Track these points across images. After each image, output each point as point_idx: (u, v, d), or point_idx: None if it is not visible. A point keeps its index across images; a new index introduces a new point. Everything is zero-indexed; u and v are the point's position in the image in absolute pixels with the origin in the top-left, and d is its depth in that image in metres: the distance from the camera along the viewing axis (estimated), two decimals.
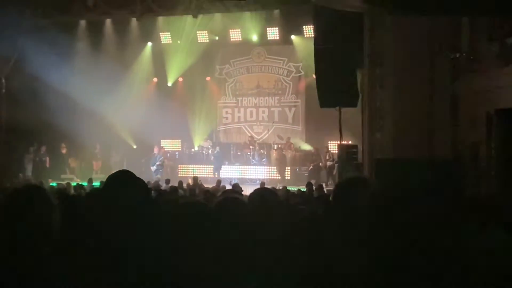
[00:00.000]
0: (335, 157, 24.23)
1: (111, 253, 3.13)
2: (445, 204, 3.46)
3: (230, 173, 26.01)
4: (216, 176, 25.01)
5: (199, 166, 26.66)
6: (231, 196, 3.91)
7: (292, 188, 18.27)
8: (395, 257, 2.75)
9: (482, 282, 2.84)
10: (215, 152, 26.83)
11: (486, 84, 14.38)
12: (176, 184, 17.83)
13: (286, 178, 25.17)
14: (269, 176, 25.37)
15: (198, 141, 28.15)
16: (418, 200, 2.85)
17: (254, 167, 26.50)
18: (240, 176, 25.35)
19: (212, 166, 26.49)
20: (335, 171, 23.94)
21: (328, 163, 24.58)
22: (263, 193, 4.07)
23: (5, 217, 3.15)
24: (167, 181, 19.10)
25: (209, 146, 27.37)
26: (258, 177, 24.93)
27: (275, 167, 25.94)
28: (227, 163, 27.14)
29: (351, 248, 2.93)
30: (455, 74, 15.97)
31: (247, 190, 15.16)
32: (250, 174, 26.08)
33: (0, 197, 3.21)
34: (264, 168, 26.22)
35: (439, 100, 15.87)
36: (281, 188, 17.14)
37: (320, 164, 24.94)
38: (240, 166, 26.70)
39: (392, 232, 2.77)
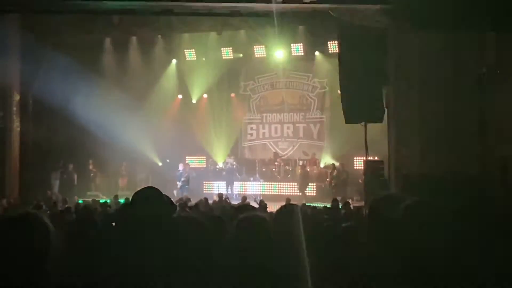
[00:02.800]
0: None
1: (139, 266, 3.13)
2: (477, 219, 3.39)
3: (256, 190, 25.98)
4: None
5: (224, 182, 26.62)
6: (252, 214, 3.88)
7: (318, 205, 18.18)
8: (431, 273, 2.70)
9: None
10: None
11: None
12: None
13: (312, 194, 25.05)
14: (294, 192, 25.28)
15: (223, 158, 28.07)
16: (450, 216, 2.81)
17: (279, 183, 26.44)
18: (265, 193, 25.28)
19: (236, 182, 26.55)
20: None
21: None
22: (290, 209, 4.02)
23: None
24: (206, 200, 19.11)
25: (234, 163, 27.33)
26: (283, 193, 24.85)
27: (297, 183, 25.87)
28: (252, 179, 27.10)
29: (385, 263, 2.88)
30: (481, 88, 15.82)
31: (273, 207, 15.11)
32: (275, 191, 26.00)
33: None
34: (289, 185, 26.14)
35: (466, 115, 15.72)
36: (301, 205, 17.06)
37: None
38: (265, 183, 26.66)
39: (428, 247, 2.72)
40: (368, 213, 3.08)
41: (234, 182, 26.45)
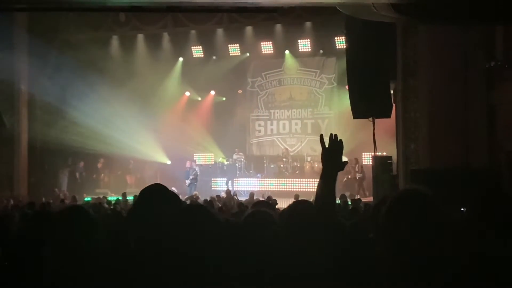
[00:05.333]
0: (364, 169, 24.14)
1: (141, 265, 3.13)
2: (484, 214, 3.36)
3: (265, 186, 25.99)
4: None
5: (242, 179, 26.68)
6: (259, 210, 3.88)
7: None
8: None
9: None
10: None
11: None
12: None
13: None
14: (302, 188, 25.21)
15: (231, 155, 28.01)
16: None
17: (287, 179, 26.40)
18: (273, 189, 25.26)
19: (244, 179, 26.61)
20: (365, 183, 23.79)
21: (358, 175, 24.38)
22: (300, 206, 4.00)
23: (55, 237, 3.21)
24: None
25: (242, 159, 27.36)
26: (292, 189, 24.78)
27: (308, 179, 25.78)
28: (259, 175, 27.09)
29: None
30: (490, 83, 15.75)
31: (282, 203, 15.12)
32: (283, 187, 25.97)
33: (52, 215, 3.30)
34: (298, 181, 26.09)
35: (475, 109, 15.66)
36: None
37: (349, 176, 24.72)
38: (274, 179, 26.64)
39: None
40: (390, 212, 2.99)
41: (234, 179, 26.54)
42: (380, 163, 18.19)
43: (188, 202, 14.49)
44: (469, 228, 2.75)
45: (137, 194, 3.68)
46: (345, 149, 3.84)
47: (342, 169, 3.71)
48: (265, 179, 26.83)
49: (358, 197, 20.36)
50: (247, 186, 25.79)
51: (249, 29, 26.19)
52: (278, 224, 3.64)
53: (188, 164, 25.51)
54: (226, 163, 27.89)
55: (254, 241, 3.44)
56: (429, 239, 2.75)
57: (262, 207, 4.81)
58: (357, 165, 24.51)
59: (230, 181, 26.21)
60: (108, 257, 3.37)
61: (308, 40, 26.52)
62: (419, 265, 2.74)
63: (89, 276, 3.14)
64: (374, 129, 18.05)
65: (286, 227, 3.64)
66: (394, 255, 2.89)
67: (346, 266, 3.42)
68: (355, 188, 24.14)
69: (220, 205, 16.36)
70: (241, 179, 26.80)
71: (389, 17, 11.70)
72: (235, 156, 27.52)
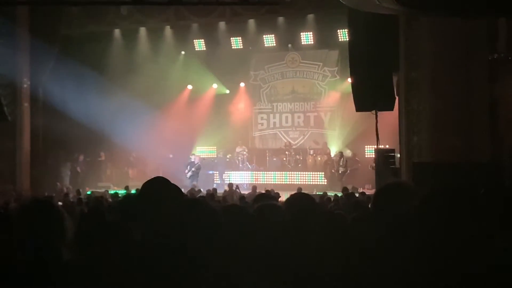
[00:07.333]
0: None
1: (144, 257, 3.12)
2: (488, 207, 3.34)
3: (267, 179, 26.01)
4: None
5: (234, 172, 26.68)
6: (268, 203, 3.88)
7: (330, 193, 18.21)
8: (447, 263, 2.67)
9: None
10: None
11: None
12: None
13: (323, 183, 24.98)
14: (305, 181, 25.24)
15: (234, 148, 28.01)
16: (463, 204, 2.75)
17: (290, 172, 26.40)
18: (276, 182, 25.27)
19: (245, 172, 26.67)
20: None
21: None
22: (301, 198, 3.99)
23: (16, 231, 3.21)
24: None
25: (244, 153, 27.35)
26: (295, 183, 24.80)
27: (311, 172, 25.82)
28: (266, 169, 27.09)
29: (396, 254, 2.85)
30: (493, 76, 15.71)
31: (285, 196, 15.10)
32: (286, 180, 25.97)
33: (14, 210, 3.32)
34: (301, 174, 26.09)
35: (477, 102, 15.63)
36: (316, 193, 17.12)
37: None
38: (276, 172, 26.64)
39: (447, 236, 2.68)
40: (373, 204, 3.00)
41: (226, 171, 26.76)
42: (383, 156, 18.19)
43: (188, 195, 14.53)
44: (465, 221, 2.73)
45: (139, 187, 3.67)
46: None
47: None
48: (267, 172, 26.85)
49: (361, 190, 20.35)
50: (244, 180, 25.86)
51: (251, 22, 26.09)
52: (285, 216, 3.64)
53: (192, 157, 25.60)
54: (228, 156, 27.89)
55: (263, 231, 3.44)
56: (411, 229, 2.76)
57: (266, 200, 4.82)
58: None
59: (222, 174, 26.33)
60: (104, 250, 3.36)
61: (311, 33, 26.43)
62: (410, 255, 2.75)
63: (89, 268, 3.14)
64: (377, 122, 18.06)
65: (290, 218, 3.64)
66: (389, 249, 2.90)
67: (347, 258, 3.42)
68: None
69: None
70: (236, 172, 26.89)
71: (391, 9, 11.67)
72: (238, 149, 27.52)
